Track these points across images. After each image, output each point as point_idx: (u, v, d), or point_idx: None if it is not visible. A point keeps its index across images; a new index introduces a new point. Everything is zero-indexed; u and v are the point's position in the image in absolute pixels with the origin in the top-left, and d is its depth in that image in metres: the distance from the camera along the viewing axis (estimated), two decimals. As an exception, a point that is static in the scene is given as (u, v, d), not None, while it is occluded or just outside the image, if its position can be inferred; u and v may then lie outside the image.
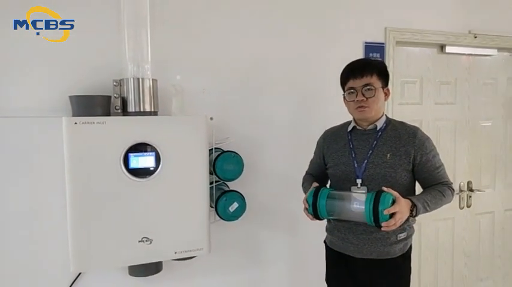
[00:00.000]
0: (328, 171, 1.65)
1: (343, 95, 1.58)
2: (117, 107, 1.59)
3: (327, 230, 1.70)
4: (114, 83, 1.59)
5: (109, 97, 1.58)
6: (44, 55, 1.63)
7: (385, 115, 1.60)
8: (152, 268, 1.67)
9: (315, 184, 1.54)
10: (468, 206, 2.62)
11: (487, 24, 2.47)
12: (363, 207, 1.37)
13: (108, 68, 1.64)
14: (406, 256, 1.58)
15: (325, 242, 1.72)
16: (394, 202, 1.35)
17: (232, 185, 1.83)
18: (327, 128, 1.75)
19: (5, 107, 1.59)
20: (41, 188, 1.63)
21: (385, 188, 1.38)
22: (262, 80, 1.98)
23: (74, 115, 1.54)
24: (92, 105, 1.53)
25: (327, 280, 1.71)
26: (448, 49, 2.42)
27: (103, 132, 1.43)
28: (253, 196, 1.93)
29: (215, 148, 1.78)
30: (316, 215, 1.48)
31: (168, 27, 1.77)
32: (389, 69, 2.21)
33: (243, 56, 1.93)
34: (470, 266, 2.69)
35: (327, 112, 1.93)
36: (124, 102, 1.59)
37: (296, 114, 2.05)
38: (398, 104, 2.37)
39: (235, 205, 1.68)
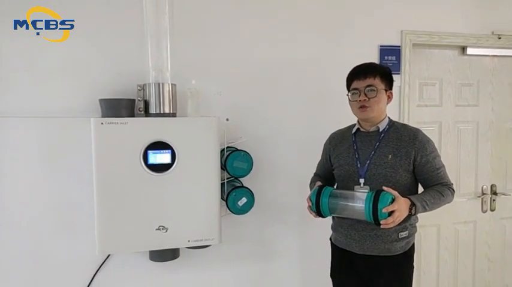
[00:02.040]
0: (334, 171, 1.74)
1: (347, 95, 1.66)
2: (141, 109, 1.78)
3: (332, 227, 1.79)
4: (138, 88, 1.78)
5: (133, 100, 1.77)
6: (80, 66, 1.85)
7: (388, 117, 1.66)
8: (170, 254, 1.84)
9: (319, 183, 1.63)
10: (492, 210, 2.58)
11: (512, 24, 2.42)
12: (363, 205, 1.44)
13: (133, 74, 1.82)
14: (408, 254, 1.63)
15: (330, 239, 1.80)
16: (393, 200, 1.41)
17: (245, 182, 1.96)
18: (335, 129, 1.84)
19: (44, 108, 1.82)
20: (72, 181, 1.86)
21: (385, 188, 1.44)
22: (276, 82, 2.10)
23: (103, 116, 1.75)
24: (119, 107, 1.73)
25: (332, 275, 1.80)
26: (470, 51, 2.40)
27: (125, 132, 1.62)
28: (264, 192, 2.06)
29: (229, 147, 1.93)
30: (319, 213, 1.57)
31: (186, 36, 1.93)
32: (406, 72, 2.27)
33: (257, 61, 2.06)
34: (494, 272, 2.64)
35: (338, 114, 1.98)
36: (146, 104, 1.77)
37: (307, 115, 2.15)
38: (417, 106, 2.39)
39: (243, 200, 1.81)
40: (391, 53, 2.25)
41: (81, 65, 1.85)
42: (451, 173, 2.40)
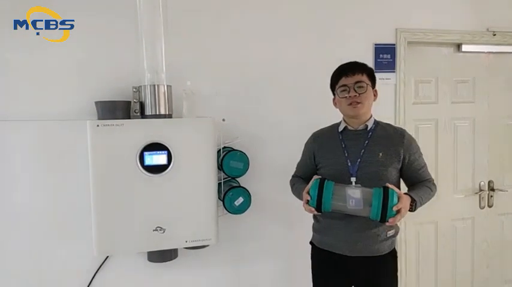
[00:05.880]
0: (320, 171, 1.68)
1: (334, 93, 1.65)
2: (136, 111, 1.79)
3: (315, 230, 1.73)
4: (134, 90, 1.78)
5: (129, 102, 1.78)
6: (75, 68, 1.86)
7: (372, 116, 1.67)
8: (168, 255, 1.85)
9: (317, 176, 1.54)
10: (490, 206, 2.58)
11: (507, 20, 2.42)
12: (362, 202, 1.41)
13: (128, 76, 1.82)
14: (393, 253, 1.65)
15: (311, 243, 1.75)
16: (399, 198, 1.42)
17: (241, 182, 1.97)
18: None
19: (41, 111, 1.83)
20: (70, 183, 1.86)
21: (389, 185, 1.44)
22: (272, 82, 2.10)
23: (99, 118, 1.76)
24: (114, 110, 1.74)
25: (314, 279, 1.74)
26: (465, 48, 2.40)
27: (121, 134, 1.62)
28: (261, 192, 2.06)
29: (225, 147, 1.93)
30: (318, 208, 1.46)
31: (181, 37, 1.94)
32: (401, 70, 2.28)
33: (253, 61, 2.07)
34: (493, 268, 2.64)
35: (335, 113, 2.00)
36: (142, 106, 1.78)
37: (303, 114, 2.15)
38: (413, 104, 2.40)
39: (240, 200, 1.82)
40: (386, 51, 2.25)
41: (79, 67, 1.86)
42: (448, 170, 2.45)
